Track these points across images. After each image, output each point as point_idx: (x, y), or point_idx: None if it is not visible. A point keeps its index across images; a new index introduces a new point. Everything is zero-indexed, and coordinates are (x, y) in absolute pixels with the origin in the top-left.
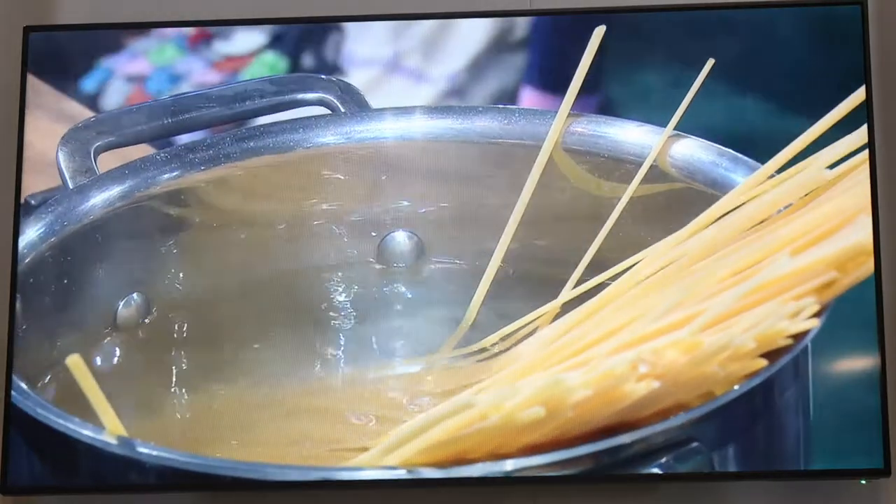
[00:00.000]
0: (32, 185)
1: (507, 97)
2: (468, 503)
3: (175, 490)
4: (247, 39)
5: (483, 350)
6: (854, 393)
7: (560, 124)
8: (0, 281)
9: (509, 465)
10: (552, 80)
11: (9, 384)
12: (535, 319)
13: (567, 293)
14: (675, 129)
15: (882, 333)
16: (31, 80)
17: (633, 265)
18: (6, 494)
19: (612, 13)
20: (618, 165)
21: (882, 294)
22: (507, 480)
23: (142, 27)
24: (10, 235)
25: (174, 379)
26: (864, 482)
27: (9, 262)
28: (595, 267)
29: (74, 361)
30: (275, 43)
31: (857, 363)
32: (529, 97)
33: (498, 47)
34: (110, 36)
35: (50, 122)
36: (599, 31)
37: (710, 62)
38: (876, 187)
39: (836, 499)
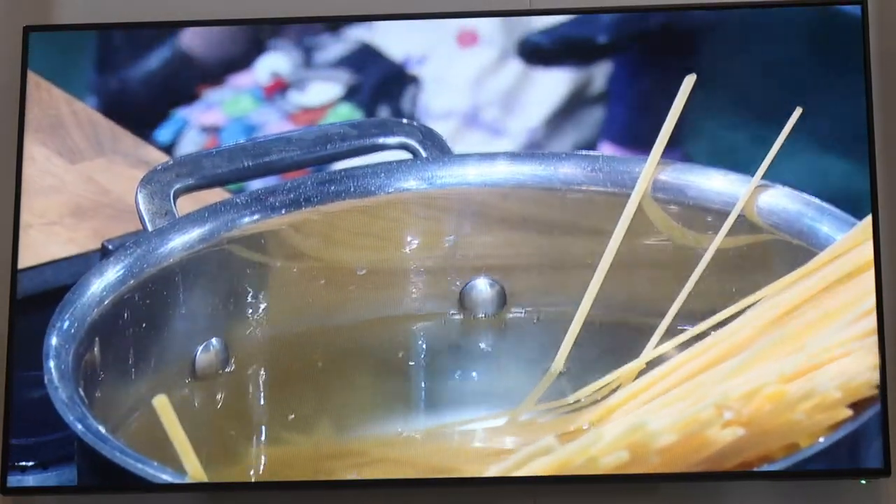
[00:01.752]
0: (110, 230)
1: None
2: (468, 503)
3: (175, 490)
4: (322, 91)
5: (567, 405)
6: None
7: (650, 171)
8: (1, 282)
9: None
10: (632, 134)
11: (9, 384)
12: (618, 377)
13: (650, 352)
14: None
15: (882, 333)
16: (110, 125)
17: (717, 323)
18: (6, 494)
19: (612, 13)
20: (704, 214)
21: (882, 294)
22: (507, 480)
23: (141, 27)
24: (11, 236)
25: (251, 426)
26: (864, 482)
27: (9, 264)
28: (682, 317)
29: (162, 402)
30: (351, 94)
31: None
32: (608, 152)
33: (576, 101)
34: (184, 85)
35: (128, 167)
36: (690, 80)
37: (798, 111)
38: (876, 188)
39: (836, 499)
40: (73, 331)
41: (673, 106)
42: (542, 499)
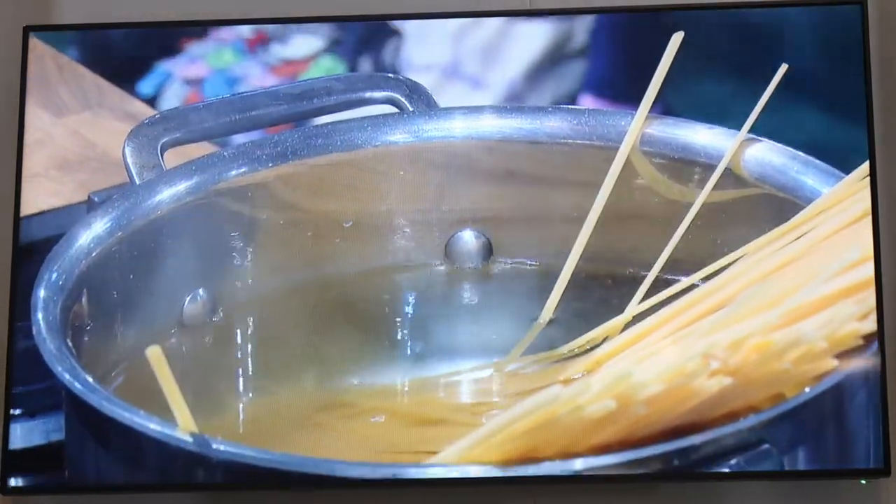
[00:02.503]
0: (96, 183)
1: (567, 104)
2: (468, 503)
3: (175, 490)
4: (305, 43)
5: (554, 356)
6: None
7: (639, 124)
8: (1, 280)
9: (579, 465)
10: (613, 88)
11: (9, 384)
12: (605, 330)
13: (636, 305)
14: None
15: (882, 333)
16: (94, 79)
17: (709, 276)
18: (6, 494)
19: (611, 13)
20: (691, 168)
21: (882, 294)
22: (507, 480)
23: (141, 27)
24: (11, 237)
25: (239, 378)
26: (864, 482)
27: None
28: (669, 270)
29: (155, 353)
30: (333, 46)
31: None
32: (589, 104)
33: (557, 54)
34: (167, 38)
35: (113, 120)
36: (677, 38)
37: (784, 67)
38: (876, 189)
39: (836, 499)
40: (60, 283)
41: (660, 64)
42: (541, 498)
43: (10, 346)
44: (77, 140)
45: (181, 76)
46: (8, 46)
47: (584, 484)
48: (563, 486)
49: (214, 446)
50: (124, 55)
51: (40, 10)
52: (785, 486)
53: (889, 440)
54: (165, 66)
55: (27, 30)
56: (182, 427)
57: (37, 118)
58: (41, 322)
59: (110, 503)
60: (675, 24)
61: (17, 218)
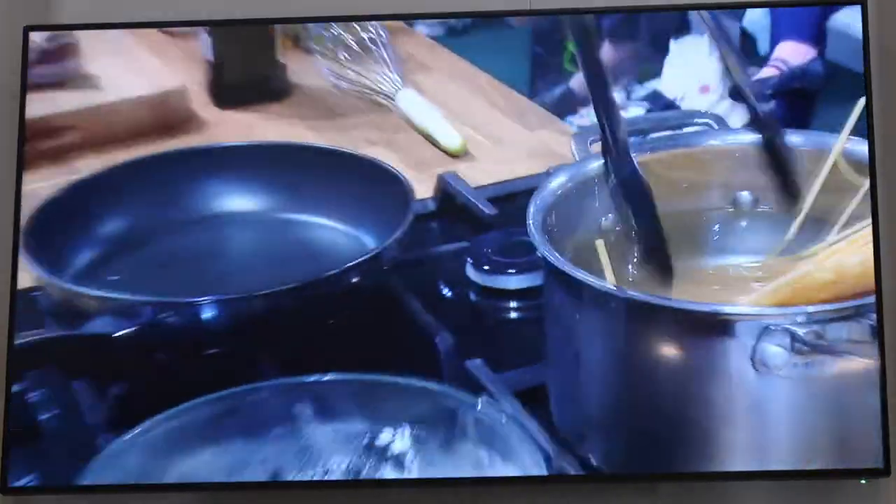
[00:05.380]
0: None
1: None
2: (469, 503)
3: (175, 490)
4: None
5: (796, 257)
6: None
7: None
8: (1, 277)
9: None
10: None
11: (9, 384)
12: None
13: (834, 235)
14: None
15: (882, 333)
16: None
17: None
18: (6, 494)
19: (611, 13)
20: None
21: (882, 294)
22: (508, 481)
23: (142, 27)
24: (11, 238)
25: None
26: (864, 482)
27: (9, 260)
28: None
29: (600, 245)
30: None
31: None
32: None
33: None
34: None
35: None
36: None
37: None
38: (875, 188)
39: (836, 499)
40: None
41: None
42: (540, 498)
43: (9, 348)
44: None
45: None
46: (8, 46)
47: (583, 484)
48: (563, 485)
49: (627, 293)
50: None
51: (40, 10)
52: (785, 486)
53: (889, 440)
54: None
55: (27, 30)
56: (609, 281)
57: None
58: (532, 226)
59: (111, 503)
60: None
61: (17, 218)
